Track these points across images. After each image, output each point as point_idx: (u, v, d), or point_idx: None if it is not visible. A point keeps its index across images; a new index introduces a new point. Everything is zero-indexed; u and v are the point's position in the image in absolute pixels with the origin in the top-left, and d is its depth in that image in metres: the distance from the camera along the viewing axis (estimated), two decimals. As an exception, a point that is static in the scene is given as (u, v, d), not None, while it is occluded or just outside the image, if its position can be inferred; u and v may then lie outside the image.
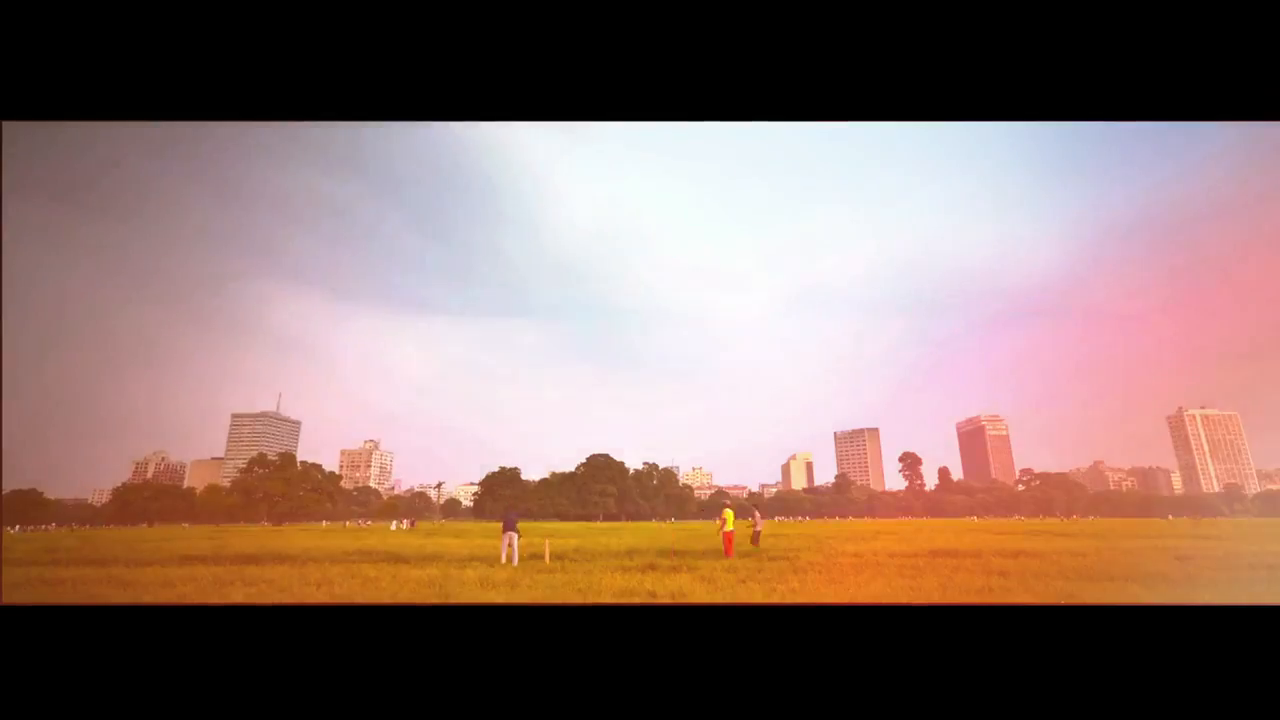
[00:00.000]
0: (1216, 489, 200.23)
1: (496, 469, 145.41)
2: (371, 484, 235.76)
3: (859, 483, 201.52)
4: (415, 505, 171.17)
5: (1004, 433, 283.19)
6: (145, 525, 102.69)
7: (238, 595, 9.51)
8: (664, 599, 9.07)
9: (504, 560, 15.77)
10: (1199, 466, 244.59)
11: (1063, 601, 8.46)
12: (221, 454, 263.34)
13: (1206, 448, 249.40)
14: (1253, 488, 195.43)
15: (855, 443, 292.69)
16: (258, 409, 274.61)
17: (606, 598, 9.26)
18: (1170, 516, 76.48)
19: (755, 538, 21.17)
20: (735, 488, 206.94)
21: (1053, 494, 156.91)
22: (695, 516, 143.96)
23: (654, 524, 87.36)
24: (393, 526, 59.45)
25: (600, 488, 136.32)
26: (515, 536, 16.37)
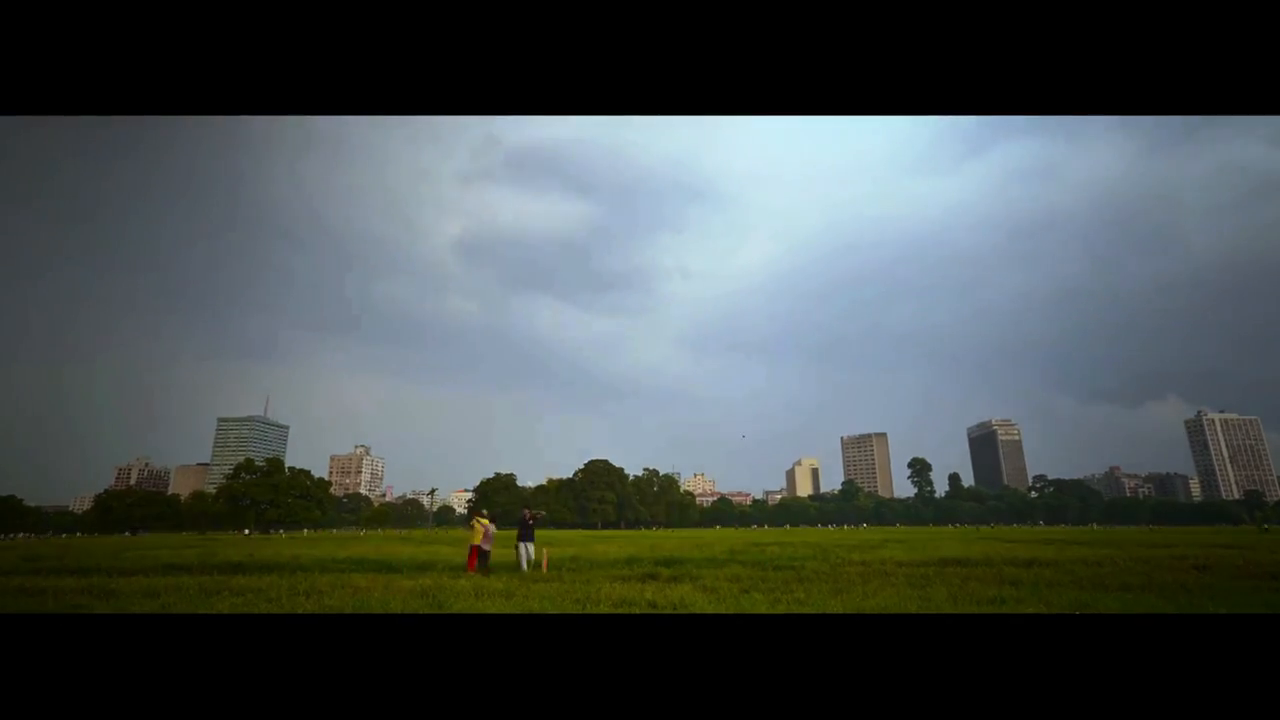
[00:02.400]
0: (1236, 496, 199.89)
1: (491, 475, 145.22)
2: (362, 490, 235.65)
3: (867, 489, 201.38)
4: (406, 513, 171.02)
5: (1016, 437, 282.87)
6: (128, 533, 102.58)
7: (224, 605, 9.49)
8: (665, 609, 9.06)
9: (525, 568, 15.52)
10: (1218, 472, 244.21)
11: (1077, 612, 8.45)
12: (207, 459, 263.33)
13: (1226, 453, 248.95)
14: (1274, 494, 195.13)
15: (863, 448, 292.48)
16: (244, 413, 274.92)
17: (605, 608, 9.25)
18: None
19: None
20: (738, 495, 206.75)
21: (1067, 501, 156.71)
22: (697, 524, 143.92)
23: (654, 532, 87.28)
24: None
25: (599, 494, 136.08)
26: (530, 545, 16.17)
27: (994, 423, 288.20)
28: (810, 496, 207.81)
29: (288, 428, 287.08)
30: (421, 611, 8.91)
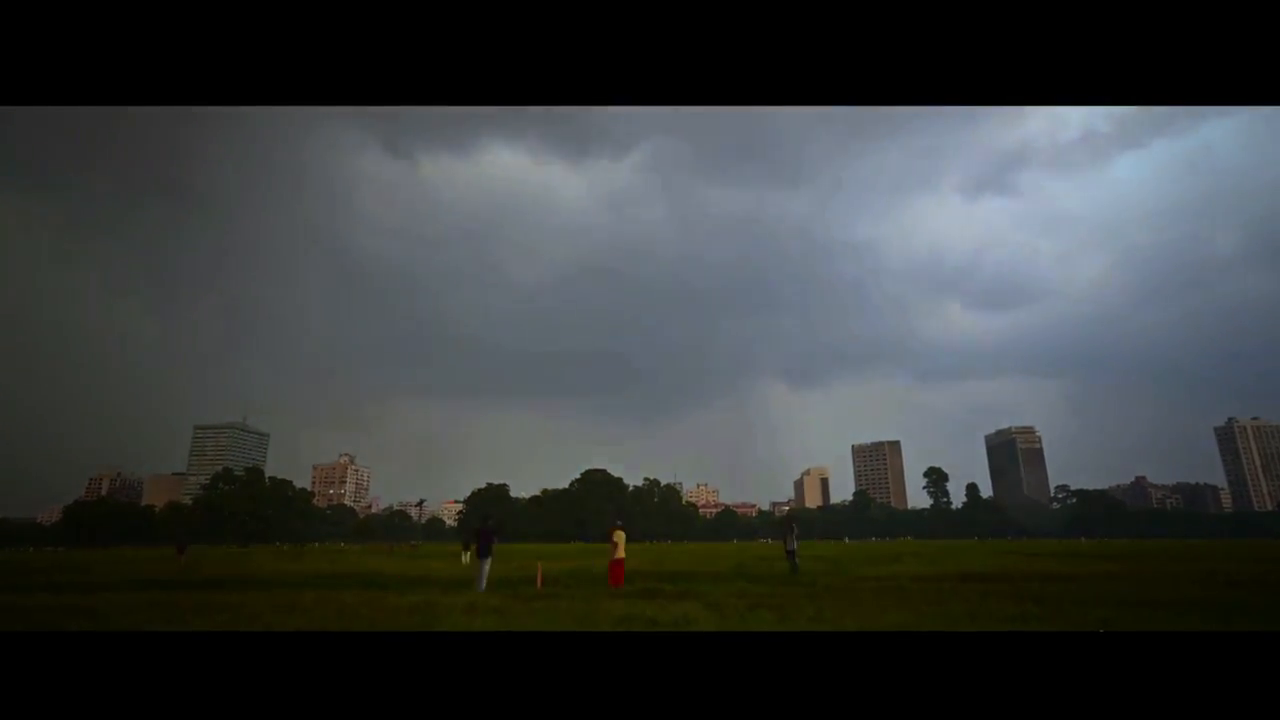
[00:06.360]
0: (1269, 507, 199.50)
1: (483, 485, 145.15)
2: (347, 502, 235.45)
3: (879, 500, 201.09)
4: (393, 525, 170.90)
5: (1037, 445, 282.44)
6: (100, 547, 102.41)
7: (202, 623, 9.50)
8: (667, 627, 9.06)
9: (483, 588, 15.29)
10: (1250, 482, 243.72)
11: (1102, 629, 8.45)
12: (183, 469, 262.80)
13: (1259, 461, 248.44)
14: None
15: (875, 456, 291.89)
16: (223, 420, 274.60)
17: (604, 625, 9.25)
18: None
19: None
20: (743, 506, 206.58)
21: (1091, 512, 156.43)
22: (700, 537, 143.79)
23: (656, 544, 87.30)
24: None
25: (597, 506, 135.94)
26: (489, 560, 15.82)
27: (1013, 430, 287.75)
28: (820, 507, 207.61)
29: (268, 435, 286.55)
30: (410, 629, 8.91)
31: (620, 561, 16.11)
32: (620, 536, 16.48)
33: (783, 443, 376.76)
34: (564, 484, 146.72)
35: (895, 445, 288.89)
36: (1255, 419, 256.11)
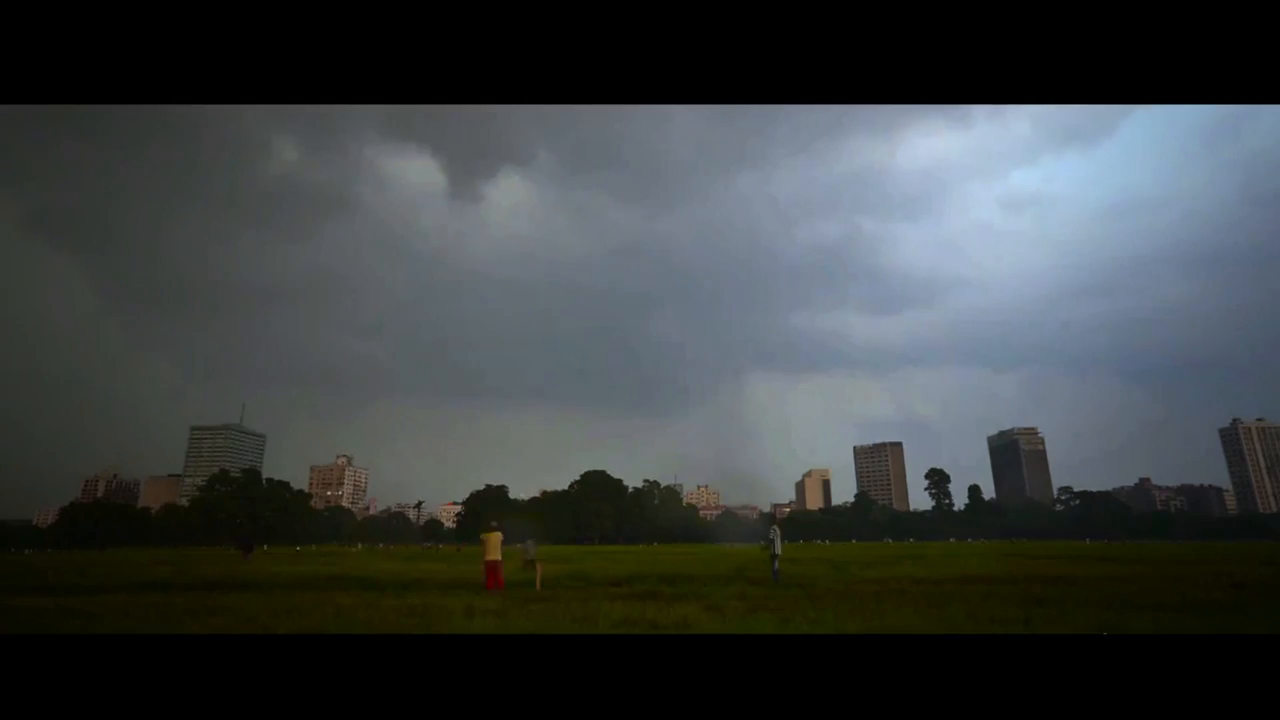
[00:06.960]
0: (1275, 509, 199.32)
1: (482, 487, 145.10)
2: (345, 503, 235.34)
3: (881, 502, 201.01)
4: (392, 526, 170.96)
5: (1040, 447, 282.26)
6: (96, 549, 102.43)
7: (200, 626, 9.49)
8: (668, 629, 9.05)
9: None
10: (1255, 484, 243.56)
11: (1105, 632, 8.45)
12: (179, 470, 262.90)
13: (1264, 463, 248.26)
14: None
15: (877, 458, 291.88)
16: (219, 421, 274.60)
17: (604, 628, 9.24)
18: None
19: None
20: (745, 508, 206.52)
21: (1094, 514, 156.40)
22: (701, 539, 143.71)
23: (656, 547, 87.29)
24: None
25: (596, 507, 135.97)
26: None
27: (1016, 431, 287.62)
28: (821, 509, 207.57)
29: (264, 437, 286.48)
30: (408, 632, 8.91)
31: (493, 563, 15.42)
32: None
33: (780, 443, 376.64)
34: (563, 485, 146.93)
35: (897, 446, 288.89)
36: (1260, 420, 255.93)
